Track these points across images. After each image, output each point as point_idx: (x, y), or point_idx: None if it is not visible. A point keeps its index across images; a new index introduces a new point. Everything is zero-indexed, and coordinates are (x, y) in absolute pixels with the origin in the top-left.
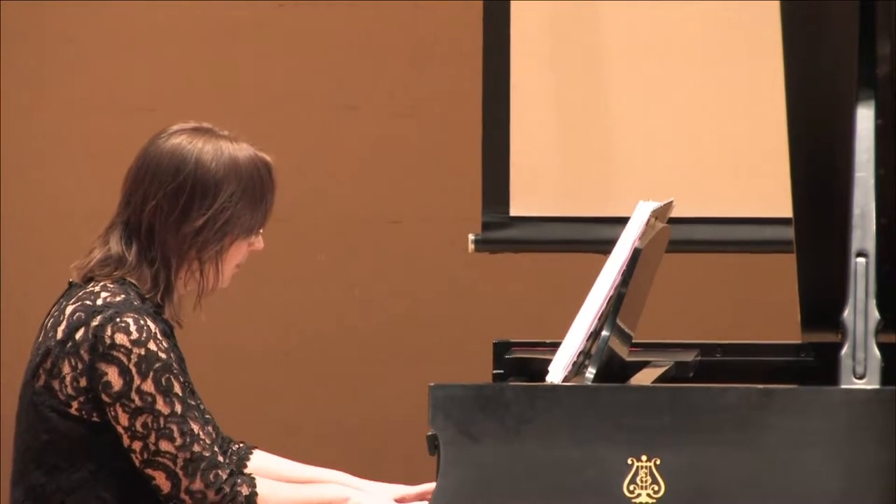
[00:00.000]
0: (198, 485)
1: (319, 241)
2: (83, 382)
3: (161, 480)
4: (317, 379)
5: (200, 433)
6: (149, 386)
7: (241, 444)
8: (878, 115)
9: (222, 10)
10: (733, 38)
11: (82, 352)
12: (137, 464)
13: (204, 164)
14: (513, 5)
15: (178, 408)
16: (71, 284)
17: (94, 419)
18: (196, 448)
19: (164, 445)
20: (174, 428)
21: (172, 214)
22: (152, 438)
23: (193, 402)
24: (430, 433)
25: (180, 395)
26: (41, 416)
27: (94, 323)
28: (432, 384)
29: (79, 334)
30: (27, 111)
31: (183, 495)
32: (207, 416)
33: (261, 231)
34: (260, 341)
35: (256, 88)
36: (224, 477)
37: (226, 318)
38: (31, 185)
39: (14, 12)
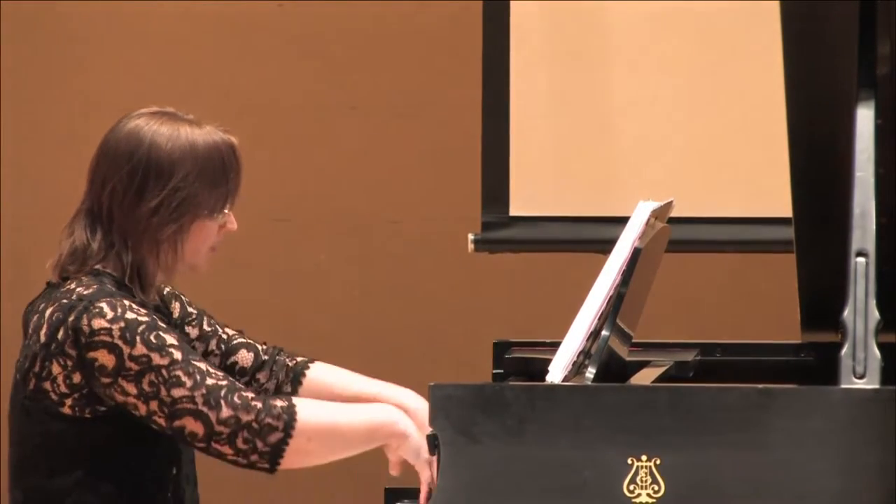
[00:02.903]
0: (226, 412)
1: (319, 241)
2: (77, 378)
3: (192, 425)
4: None
5: (209, 369)
6: (140, 348)
7: (299, 360)
8: (878, 115)
9: (222, 10)
10: (733, 38)
11: (67, 349)
12: (164, 423)
13: (158, 146)
14: (513, 5)
15: (178, 354)
16: (49, 285)
17: (87, 415)
18: (210, 381)
19: (178, 392)
20: (180, 373)
21: (127, 196)
22: (164, 392)
23: (195, 352)
24: (430, 433)
25: (177, 344)
26: (32, 419)
27: (71, 318)
28: (432, 384)
29: (60, 334)
30: (28, 111)
31: (218, 427)
32: (241, 341)
33: (227, 211)
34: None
35: (256, 88)
36: (251, 395)
37: (225, 317)
38: (31, 185)
39: (15, 11)
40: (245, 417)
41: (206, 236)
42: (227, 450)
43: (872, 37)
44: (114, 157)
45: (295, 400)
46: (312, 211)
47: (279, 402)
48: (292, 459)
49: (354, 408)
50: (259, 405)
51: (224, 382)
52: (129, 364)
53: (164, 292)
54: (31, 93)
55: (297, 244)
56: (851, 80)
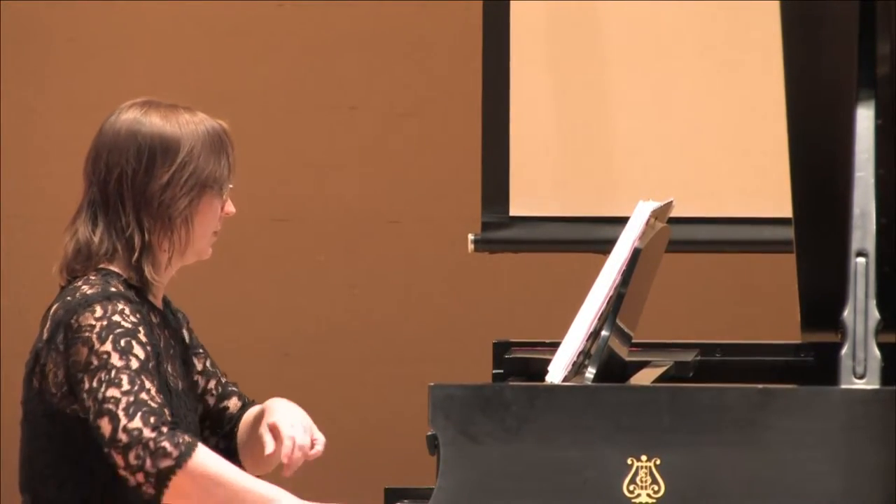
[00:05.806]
0: (135, 423)
1: (319, 241)
2: (61, 375)
3: (105, 426)
4: (317, 379)
5: (153, 390)
6: (106, 346)
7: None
8: (878, 115)
9: (222, 10)
10: (734, 37)
11: (59, 345)
12: (91, 420)
13: (159, 126)
14: (513, 5)
15: (135, 364)
16: (62, 289)
17: (68, 412)
18: (143, 396)
19: (111, 391)
20: (124, 377)
21: (138, 175)
22: (102, 389)
23: (155, 374)
24: (430, 433)
25: (140, 357)
26: (33, 421)
27: (68, 317)
28: (432, 384)
29: (58, 330)
30: (27, 111)
31: (120, 434)
32: (233, 389)
33: (231, 185)
34: (260, 341)
35: (256, 88)
36: (165, 419)
37: (226, 317)
38: (31, 185)
39: (14, 12)
40: (147, 434)
41: (213, 216)
42: (119, 460)
43: (872, 37)
44: (115, 146)
45: (200, 443)
46: (312, 211)
47: (184, 437)
48: (175, 493)
49: (252, 477)
50: (165, 429)
51: (153, 405)
52: (92, 358)
53: (173, 307)
54: (31, 93)
55: (297, 244)
56: (851, 80)
